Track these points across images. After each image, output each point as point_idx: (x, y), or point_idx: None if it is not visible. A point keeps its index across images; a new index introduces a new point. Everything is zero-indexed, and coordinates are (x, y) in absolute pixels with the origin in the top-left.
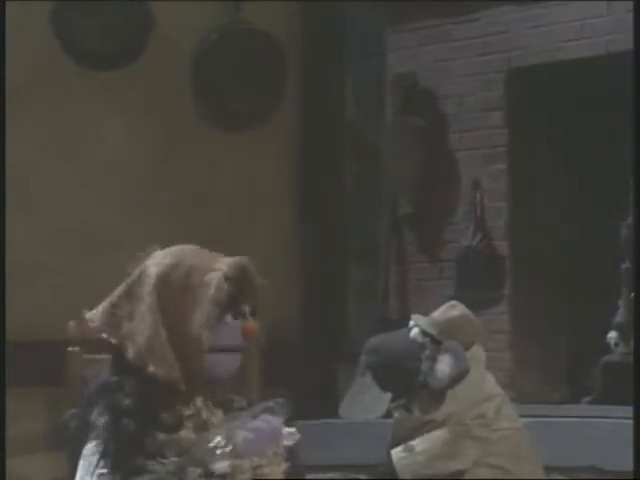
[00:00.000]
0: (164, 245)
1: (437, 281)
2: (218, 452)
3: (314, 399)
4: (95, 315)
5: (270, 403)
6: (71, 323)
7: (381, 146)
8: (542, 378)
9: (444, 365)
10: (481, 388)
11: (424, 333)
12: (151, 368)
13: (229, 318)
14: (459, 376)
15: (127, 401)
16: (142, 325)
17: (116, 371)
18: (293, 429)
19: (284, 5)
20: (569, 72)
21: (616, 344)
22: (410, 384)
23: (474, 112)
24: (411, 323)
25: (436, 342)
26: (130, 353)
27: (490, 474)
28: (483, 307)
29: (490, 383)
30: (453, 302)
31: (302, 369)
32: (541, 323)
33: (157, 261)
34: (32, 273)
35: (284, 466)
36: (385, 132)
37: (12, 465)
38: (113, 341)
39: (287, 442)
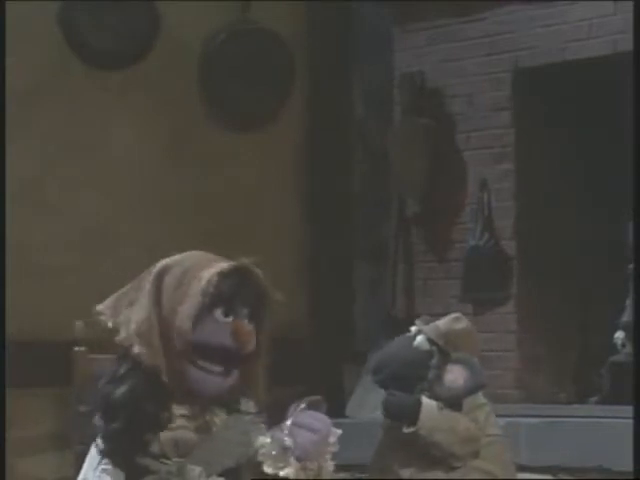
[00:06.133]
0: (173, 245)
1: (444, 281)
2: (274, 452)
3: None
4: (104, 303)
5: (307, 399)
6: (78, 323)
7: (389, 146)
8: (549, 378)
9: (455, 376)
10: (474, 396)
11: (431, 342)
12: (136, 349)
13: (219, 314)
14: (475, 388)
15: (118, 391)
16: (137, 311)
17: (117, 366)
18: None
19: (292, 5)
20: (577, 72)
21: (623, 344)
22: (413, 391)
23: (482, 112)
24: (414, 329)
25: (443, 352)
26: (121, 335)
27: (477, 477)
28: (490, 307)
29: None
30: (457, 314)
31: (309, 368)
32: (548, 323)
33: (161, 262)
34: (41, 273)
35: (331, 464)
36: (393, 132)
37: (20, 465)
38: (110, 324)
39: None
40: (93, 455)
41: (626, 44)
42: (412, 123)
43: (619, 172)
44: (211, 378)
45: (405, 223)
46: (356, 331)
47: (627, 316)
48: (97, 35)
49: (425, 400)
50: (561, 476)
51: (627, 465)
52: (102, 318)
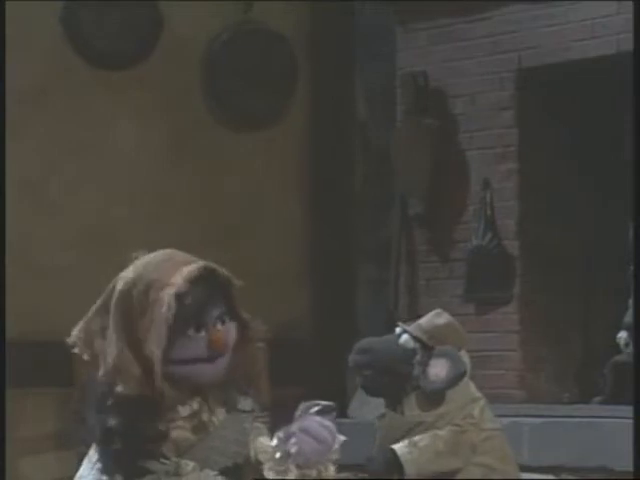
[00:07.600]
0: (173, 245)
1: (447, 281)
2: (277, 455)
3: (323, 399)
4: (74, 333)
5: (320, 404)
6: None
7: (391, 146)
8: (552, 378)
9: (438, 369)
10: (468, 390)
11: (415, 339)
12: (119, 388)
13: (191, 331)
14: (456, 379)
15: (111, 421)
16: (110, 344)
17: (102, 387)
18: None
19: (294, 5)
20: (580, 71)
21: (626, 344)
22: (401, 387)
23: (485, 112)
24: (398, 330)
25: (427, 348)
26: (100, 371)
27: (479, 473)
28: (493, 307)
29: (473, 386)
30: (438, 310)
31: (311, 368)
32: (551, 323)
33: (124, 275)
34: (41, 273)
35: (333, 469)
36: (395, 132)
37: (21, 465)
38: (85, 358)
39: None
40: (91, 454)
41: (629, 44)
42: (415, 123)
43: (622, 171)
44: (201, 366)
45: (408, 223)
46: (358, 331)
47: (630, 316)
48: (100, 35)
49: (396, 447)
50: (564, 476)
51: (629, 465)
52: (76, 351)
